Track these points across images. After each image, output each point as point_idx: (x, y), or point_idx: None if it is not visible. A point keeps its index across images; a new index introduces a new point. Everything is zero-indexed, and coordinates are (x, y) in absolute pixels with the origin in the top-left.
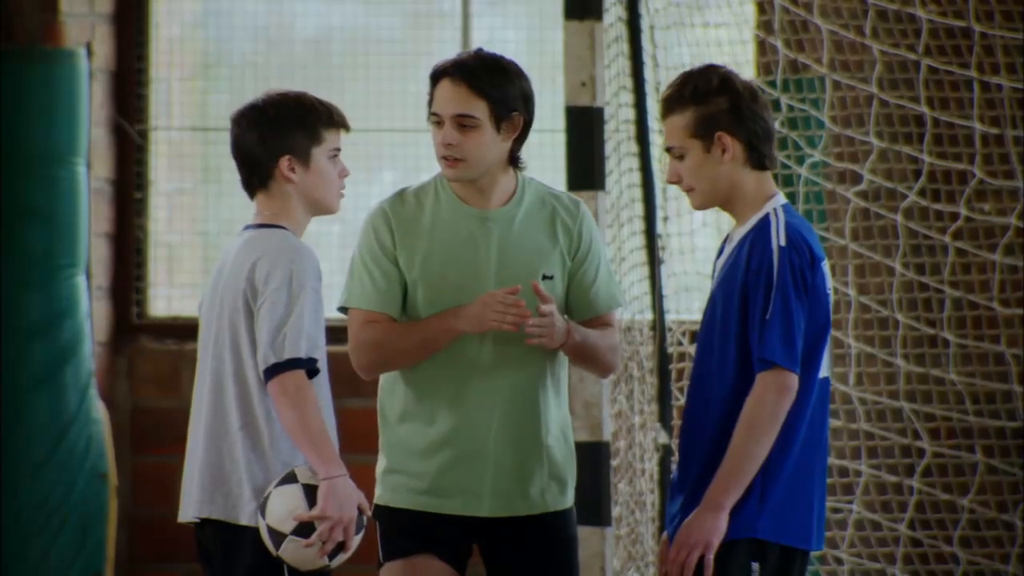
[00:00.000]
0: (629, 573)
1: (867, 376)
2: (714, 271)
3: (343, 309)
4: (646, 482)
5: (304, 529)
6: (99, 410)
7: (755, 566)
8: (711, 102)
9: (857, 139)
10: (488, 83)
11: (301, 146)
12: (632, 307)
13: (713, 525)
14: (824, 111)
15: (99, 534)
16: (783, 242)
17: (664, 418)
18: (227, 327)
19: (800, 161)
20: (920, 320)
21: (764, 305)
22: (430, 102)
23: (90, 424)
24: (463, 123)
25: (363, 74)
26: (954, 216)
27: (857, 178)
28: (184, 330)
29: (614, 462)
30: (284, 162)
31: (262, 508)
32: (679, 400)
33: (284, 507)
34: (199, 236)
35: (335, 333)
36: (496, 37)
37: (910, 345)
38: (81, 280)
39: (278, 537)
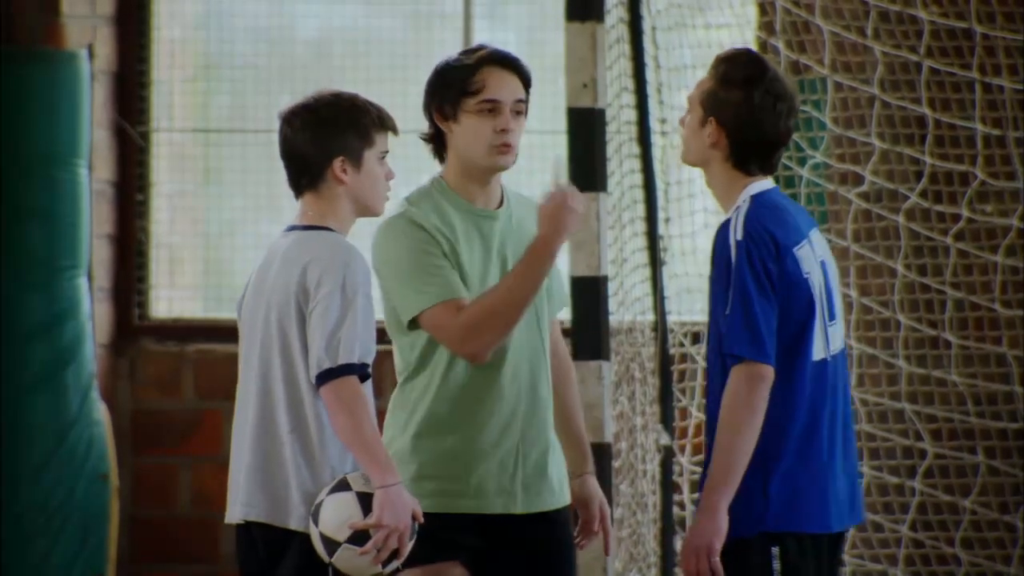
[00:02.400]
0: (631, 574)
1: (869, 377)
2: None
3: (412, 322)
4: (648, 483)
5: (359, 537)
6: (100, 411)
7: (775, 551)
8: (727, 90)
9: (859, 140)
10: (527, 71)
11: (354, 148)
12: (634, 308)
13: (712, 528)
14: (826, 112)
15: (100, 535)
16: (740, 236)
17: (666, 419)
18: (276, 330)
19: (802, 162)
20: (922, 321)
21: (724, 301)
22: (476, 88)
23: (91, 426)
24: (518, 110)
25: (364, 76)
26: (956, 217)
27: (859, 179)
28: (185, 332)
29: (616, 463)
30: (337, 163)
31: (315, 516)
32: (681, 401)
33: (338, 516)
34: (200, 238)
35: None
36: (497, 38)
37: (912, 346)
38: (82, 282)
39: (332, 545)
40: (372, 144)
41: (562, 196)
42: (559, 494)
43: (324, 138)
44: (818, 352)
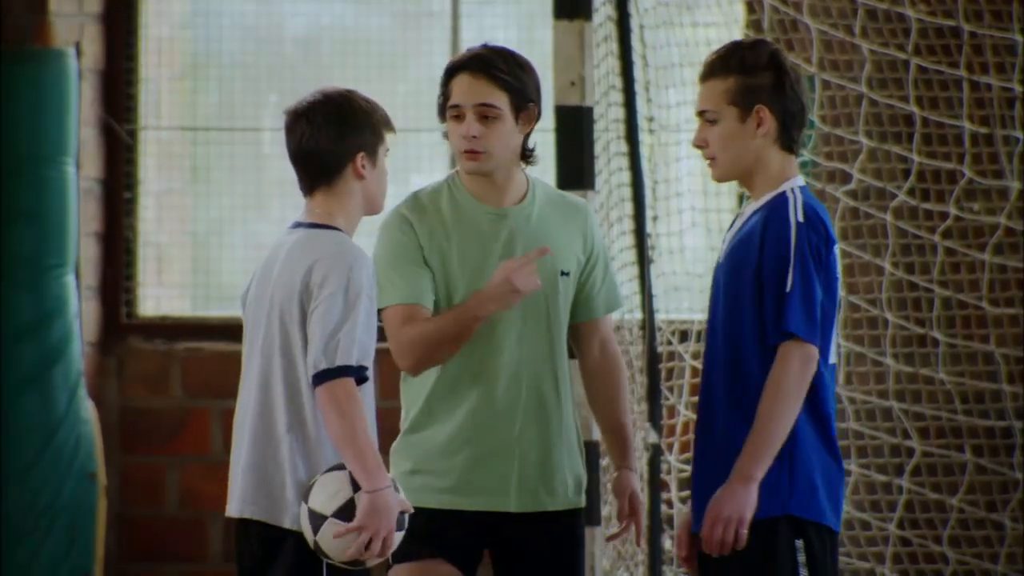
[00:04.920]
0: (618, 573)
1: (856, 375)
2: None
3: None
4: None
5: (345, 513)
6: (88, 410)
7: (799, 543)
8: (758, 75)
9: (846, 138)
10: (507, 73)
11: (371, 144)
12: (622, 306)
13: (745, 498)
14: (813, 110)
15: (88, 534)
16: (801, 218)
17: (654, 417)
18: (277, 328)
19: None
20: (909, 319)
21: (781, 280)
22: (446, 98)
23: (79, 424)
24: (486, 114)
25: (352, 74)
26: (943, 215)
27: (846, 177)
28: (173, 330)
29: (604, 461)
30: (359, 159)
31: (305, 495)
32: (669, 399)
33: (326, 490)
34: (188, 236)
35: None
36: (485, 37)
37: (899, 344)
38: (70, 280)
39: (318, 520)
40: (383, 141)
41: (512, 270)
42: (562, 496)
43: (348, 134)
44: (831, 355)
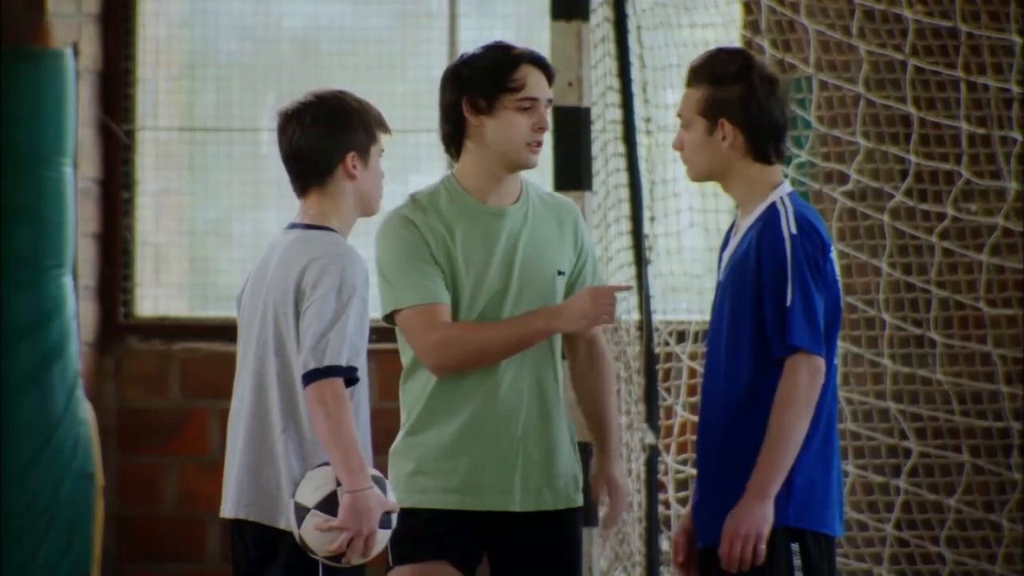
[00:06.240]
0: (616, 573)
1: (854, 376)
2: (720, 262)
3: (389, 317)
4: (633, 482)
5: (327, 504)
6: (86, 410)
7: (795, 547)
8: (725, 87)
9: (844, 139)
10: (554, 73)
11: (362, 144)
12: (619, 307)
13: (762, 514)
14: (811, 111)
15: (86, 534)
16: (794, 230)
17: (651, 418)
18: (272, 328)
19: (787, 161)
20: (907, 320)
21: (780, 293)
22: (517, 85)
23: (77, 424)
24: (546, 109)
25: (350, 74)
26: (941, 216)
27: (844, 178)
28: (171, 330)
29: None
30: (349, 158)
31: (294, 492)
32: (666, 400)
33: (311, 483)
34: (186, 236)
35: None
36: (483, 37)
37: (897, 345)
38: (68, 280)
39: (301, 512)
40: (376, 141)
41: (598, 299)
42: (565, 495)
43: (338, 134)
44: (833, 357)
